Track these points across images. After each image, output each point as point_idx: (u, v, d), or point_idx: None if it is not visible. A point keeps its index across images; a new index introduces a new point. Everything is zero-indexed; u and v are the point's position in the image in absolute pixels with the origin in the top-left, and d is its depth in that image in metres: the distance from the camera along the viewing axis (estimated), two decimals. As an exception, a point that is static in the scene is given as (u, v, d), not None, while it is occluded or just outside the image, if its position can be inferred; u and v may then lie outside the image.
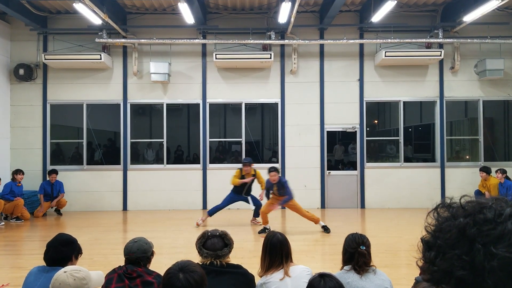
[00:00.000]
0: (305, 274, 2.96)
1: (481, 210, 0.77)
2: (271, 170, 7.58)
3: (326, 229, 7.54)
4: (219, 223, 8.00)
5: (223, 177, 9.30)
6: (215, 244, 2.81)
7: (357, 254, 2.92)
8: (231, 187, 8.29)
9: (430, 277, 0.80)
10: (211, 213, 8.31)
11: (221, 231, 2.93)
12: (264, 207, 7.88)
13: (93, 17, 8.98)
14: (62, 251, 2.83)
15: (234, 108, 11.31)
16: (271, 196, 7.82)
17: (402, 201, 10.52)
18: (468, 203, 0.81)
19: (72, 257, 2.87)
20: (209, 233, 2.88)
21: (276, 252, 3.01)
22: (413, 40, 10.16)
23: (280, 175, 7.73)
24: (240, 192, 8.38)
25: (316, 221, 7.59)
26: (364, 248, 2.94)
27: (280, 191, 7.59)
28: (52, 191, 9.76)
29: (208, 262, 2.76)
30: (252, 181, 8.36)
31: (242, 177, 8.30)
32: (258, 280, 3.01)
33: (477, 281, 0.71)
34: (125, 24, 10.47)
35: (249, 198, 8.49)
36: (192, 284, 1.86)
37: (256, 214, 8.59)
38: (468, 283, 0.72)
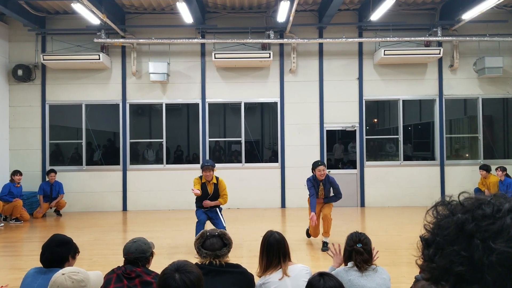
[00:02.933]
0: (304, 273, 2.95)
1: (480, 206, 0.76)
2: (318, 164, 6.37)
3: (324, 245, 6.50)
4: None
5: (223, 176, 9.28)
6: (214, 244, 2.80)
7: (354, 252, 2.98)
8: (230, 186, 7.49)
9: (429, 276, 0.80)
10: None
11: (220, 231, 2.93)
12: (311, 229, 6.55)
13: (92, 17, 8.97)
14: (58, 251, 2.81)
15: (233, 108, 11.29)
16: (315, 202, 6.40)
17: (402, 199, 10.52)
18: (467, 199, 0.81)
19: (68, 257, 2.86)
20: (208, 233, 2.87)
21: (274, 252, 3.00)
22: (412, 39, 10.15)
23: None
24: (202, 206, 6.72)
25: (326, 233, 6.58)
26: (361, 245, 2.98)
27: (327, 190, 6.46)
28: (51, 192, 9.75)
29: (207, 262, 2.75)
30: (214, 194, 6.71)
31: (204, 185, 6.66)
32: (257, 280, 3.00)
33: (476, 277, 0.71)
34: (124, 24, 10.46)
35: (215, 216, 6.67)
36: (188, 284, 1.84)
37: None
38: (467, 279, 0.72)
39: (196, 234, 6.85)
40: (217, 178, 6.78)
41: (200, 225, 6.53)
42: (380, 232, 7.61)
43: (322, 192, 6.57)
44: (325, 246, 6.45)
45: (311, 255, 6.25)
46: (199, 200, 6.75)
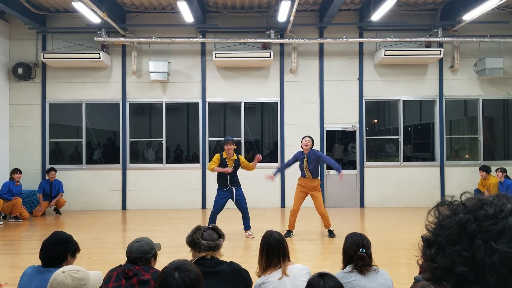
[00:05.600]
0: (303, 273, 2.95)
1: (482, 206, 0.76)
2: (305, 137, 7.07)
3: (331, 233, 7.22)
4: (219, 220, 7.96)
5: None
6: (211, 234, 2.90)
7: (356, 257, 2.89)
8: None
9: (431, 276, 0.79)
10: (212, 222, 7.15)
11: (211, 225, 3.03)
12: (294, 204, 7.16)
13: (92, 16, 8.97)
14: (56, 250, 2.78)
15: (233, 107, 11.28)
16: (299, 182, 7.17)
17: (402, 200, 10.52)
18: (469, 200, 0.81)
19: (67, 257, 2.83)
20: (203, 227, 2.97)
21: (273, 252, 3.00)
22: (413, 39, 10.15)
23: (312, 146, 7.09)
24: (225, 184, 7.14)
25: (327, 225, 7.24)
26: (364, 251, 2.89)
27: (311, 166, 6.93)
28: (51, 190, 9.75)
29: (209, 256, 2.78)
30: (235, 169, 7.21)
31: (224, 161, 7.12)
32: (256, 280, 3.00)
33: (478, 277, 0.71)
34: (124, 23, 10.46)
35: (233, 192, 7.17)
36: (187, 283, 1.85)
37: (246, 225, 7.34)
38: (469, 279, 0.72)
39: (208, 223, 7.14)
40: (237, 155, 7.28)
41: (213, 217, 7.19)
42: (380, 232, 7.61)
43: (306, 165, 7.04)
44: (331, 234, 7.17)
45: (310, 255, 6.24)
46: (222, 178, 7.17)
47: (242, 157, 7.42)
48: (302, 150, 7.18)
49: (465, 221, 0.75)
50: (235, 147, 7.32)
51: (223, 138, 7.43)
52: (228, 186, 7.16)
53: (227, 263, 2.85)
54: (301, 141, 7.18)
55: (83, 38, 10.45)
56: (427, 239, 0.82)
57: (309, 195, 7.22)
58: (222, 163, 7.13)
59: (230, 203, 7.48)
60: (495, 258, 0.69)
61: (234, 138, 10.76)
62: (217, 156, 7.18)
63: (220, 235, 2.94)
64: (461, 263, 0.73)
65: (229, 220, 8.39)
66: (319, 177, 7.28)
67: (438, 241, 0.78)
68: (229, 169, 7.04)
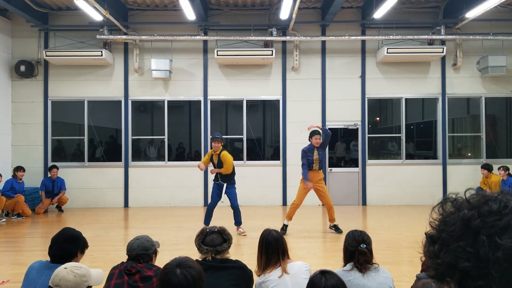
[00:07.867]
0: (303, 270, 2.94)
1: (486, 202, 0.76)
2: (315, 133, 7.20)
3: (337, 229, 7.31)
4: (220, 219, 7.97)
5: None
6: (214, 240, 2.83)
7: (357, 252, 2.89)
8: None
9: (434, 272, 0.79)
10: (207, 221, 7.37)
11: (220, 227, 2.95)
12: (298, 198, 7.26)
13: (94, 14, 8.97)
14: (66, 248, 2.80)
15: (235, 105, 11.28)
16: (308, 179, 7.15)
17: (404, 198, 10.51)
18: (473, 196, 0.81)
19: (77, 253, 2.85)
20: (208, 230, 2.90)
21: (272, 250, 3.00)
22: (415, 37, 10.12)
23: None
24: (216, 178, 7.45)
25: (332, 219, 7.36)
26: (365, 246, 2.90)
27: (320, 155, 7.17)
28: (53, 188, 9.78)
29: (209, 258, 2.77)
30: (218, 164, 7.31)
31: (212, 157, 7.43)
32: (256, 280, 3.00)
33: (482, 273, 0.70)
34: (126, 20, 10.45)
35: (223, 188, 7.35)
36: (189, 280, 1.86)
37: (237, 221, 7.44)
38: (473, 275, 0.71)
39: (204, 218, 7.39)
40: (221, 151, 7.36)
41: (209, 210, 7.41)
42: (382, 230, 7.60)
43: (317, 157, 7.22)
44: (337, 230, 7.31)
45: (312, 253, 6.24)
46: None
47: (223, 155, 7.28)
48: (311, 144, 7.28)
49: (469, 217, 0.75)
50: (223, 144, 7.53)
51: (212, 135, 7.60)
52: (219, 180, 7.42)
53: (233, 261, 2.86)
54: (311, 138, 7.26)
55: (85, 35, 10.46)
56: (430, 236, 0.82)
57: (312, 190, 7.27)
58: (211, 159, 7.48)
59: (227, 201, 7.49)
60: (499, 253, 0.69)
61: (236, 136, 10.91)
62: (208, 154, 7.60)
63: (226, 240, 2.87)
64: (465, 259, 0.72)
65: (230, 218, 8.41)
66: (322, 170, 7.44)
67: (442, 237, 0.78)
68: (202, 167, 7.45)
